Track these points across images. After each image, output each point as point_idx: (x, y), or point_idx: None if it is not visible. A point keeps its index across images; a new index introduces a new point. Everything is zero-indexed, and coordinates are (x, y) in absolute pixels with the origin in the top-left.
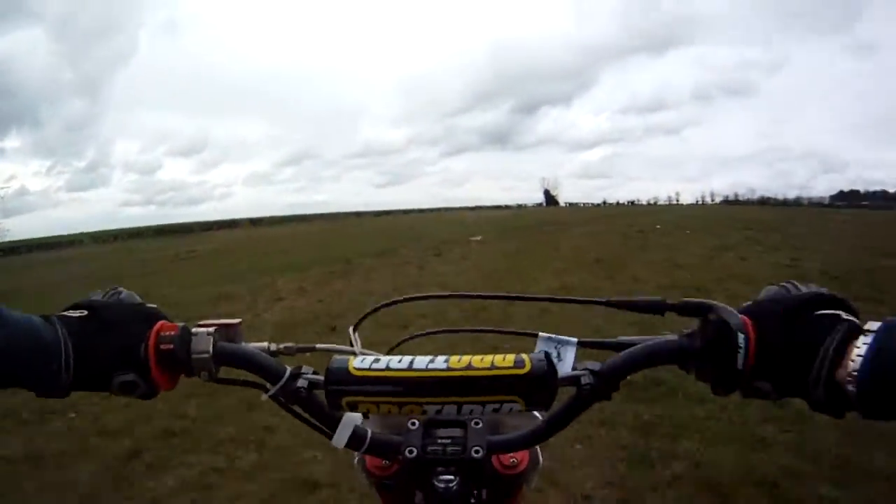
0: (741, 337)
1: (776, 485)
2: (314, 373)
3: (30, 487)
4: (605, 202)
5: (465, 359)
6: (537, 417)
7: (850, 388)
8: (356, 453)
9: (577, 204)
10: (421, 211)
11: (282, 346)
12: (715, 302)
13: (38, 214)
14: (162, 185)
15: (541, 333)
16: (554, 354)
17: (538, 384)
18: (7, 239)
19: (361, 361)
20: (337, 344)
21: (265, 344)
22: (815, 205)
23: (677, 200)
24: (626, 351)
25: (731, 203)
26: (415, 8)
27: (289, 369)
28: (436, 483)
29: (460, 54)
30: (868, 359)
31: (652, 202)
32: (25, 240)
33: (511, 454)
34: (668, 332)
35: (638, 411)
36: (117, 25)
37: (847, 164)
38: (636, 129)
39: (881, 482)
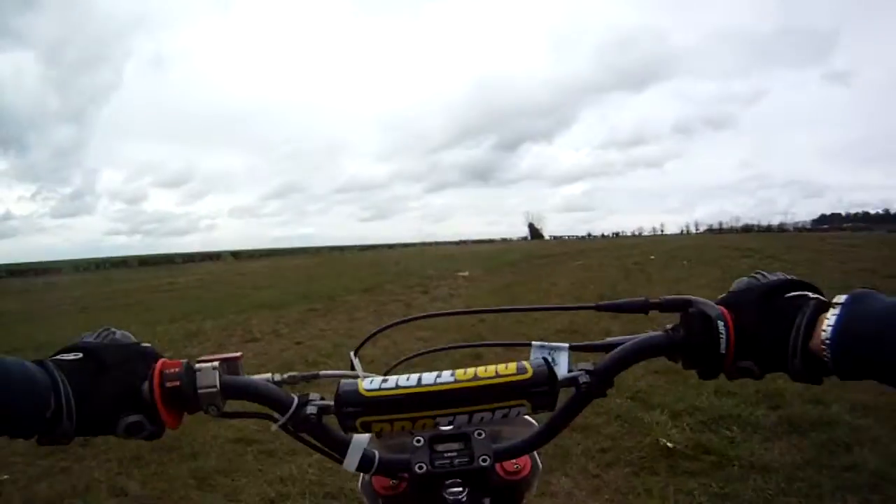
0: (721, 324)
1: None
2: (322, 399)
3: None
4: (589, 234)
5: (470, 371)
6: (534, 423)
7: (826, 355)
8: (362, 475)
9: (561, 237)
10: (405, 245)
11: (286, 375)
12: (693, 297)
13: (21, 239)
14: (147, 215)
15: (534, 342)
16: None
17: (542, 387)
18: None
19: (370, 383)
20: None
21: (268, 375)
22: (799, 229)
23: (662, 231)
24: (617, 349)
25: (716, 232)
26: (398, 46)
27: (296, 398)
28: (445, 496)
29: (443, 92)
30: (836, 327)
31: (636, 233)
32: (4, 264)
33: (514, 461)
34: (652, 330)
35: (689, 486)
36: (106, 56)
37: (827, 188)
38: (617, 163)
39: None
